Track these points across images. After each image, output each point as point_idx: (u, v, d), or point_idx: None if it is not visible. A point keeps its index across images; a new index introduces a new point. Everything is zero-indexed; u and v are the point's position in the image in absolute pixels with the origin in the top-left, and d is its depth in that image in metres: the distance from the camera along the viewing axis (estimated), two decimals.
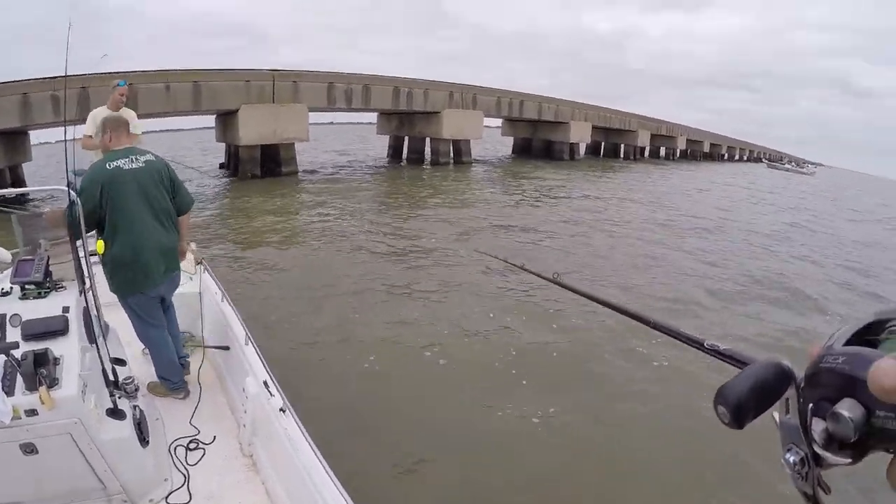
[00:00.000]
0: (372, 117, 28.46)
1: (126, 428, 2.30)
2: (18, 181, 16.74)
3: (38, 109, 15.29)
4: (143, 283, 2.87)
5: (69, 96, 15.68)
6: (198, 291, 3.91)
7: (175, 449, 2.73)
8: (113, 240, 2.78)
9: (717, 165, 51.72)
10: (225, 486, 2.53)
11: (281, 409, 2.38)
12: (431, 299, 6.79)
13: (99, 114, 4.50)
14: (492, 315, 6.28)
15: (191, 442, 2.79)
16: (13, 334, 2.20)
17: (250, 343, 2.94)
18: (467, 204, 14.56)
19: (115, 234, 2.78)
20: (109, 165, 2.79)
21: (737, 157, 74.77)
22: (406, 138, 27.77)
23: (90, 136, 4.51)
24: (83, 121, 4.73)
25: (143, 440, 2.39)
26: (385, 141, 29.32)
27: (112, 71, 16.55)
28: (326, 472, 2.00)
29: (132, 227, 2.79)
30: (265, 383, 2.56)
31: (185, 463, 2.65)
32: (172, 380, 3.13)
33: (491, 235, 10.86)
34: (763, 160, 77.99)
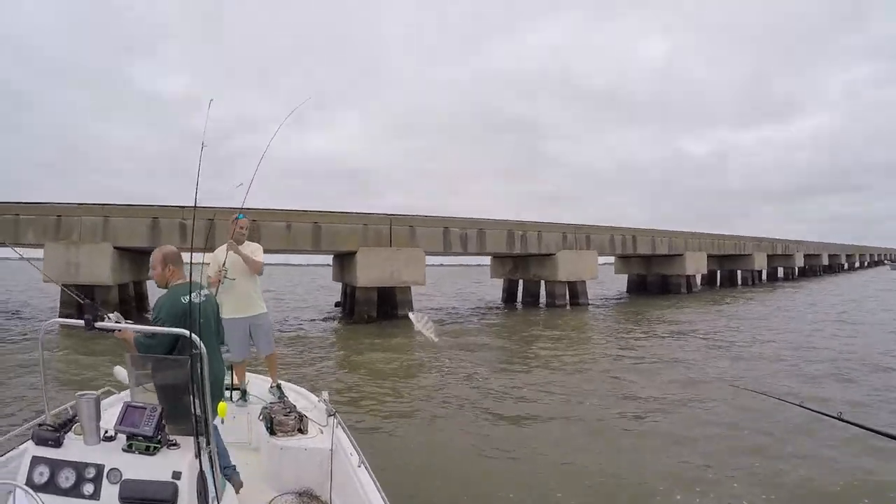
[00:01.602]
0: (484, 259, 27.91)
1: None
2: (141, 295, 19.23)
3: (167, 233, 16.96)
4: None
5: (197, 227, 16.87)
6: (329, 448, 3.57)
7: None
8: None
9: (841, 278, 48.05)
10: None
11: None
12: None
13: (219, 253, 4.54)
14: None
15: None
16: (109, 493, 2.01)
17: None
18: (593, 352, 12.44)
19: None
20: (184, 299, 2.64)
21: (857, 264, 69.70)
22: (521, 281, 26.83)
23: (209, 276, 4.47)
24: (210, 249, 4.72)
25: None
26: (499, 284, 28.59)
27: (237, 207, 17.15)
28: None
29: (211, 363, 2.44)
30: None
31: None
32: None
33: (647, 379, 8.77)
34: (885, 262, 71.31)
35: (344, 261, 19.90)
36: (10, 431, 3.28)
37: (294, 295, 32.77)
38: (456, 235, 21.14)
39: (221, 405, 3.73)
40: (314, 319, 19.50)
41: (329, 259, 21.86)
